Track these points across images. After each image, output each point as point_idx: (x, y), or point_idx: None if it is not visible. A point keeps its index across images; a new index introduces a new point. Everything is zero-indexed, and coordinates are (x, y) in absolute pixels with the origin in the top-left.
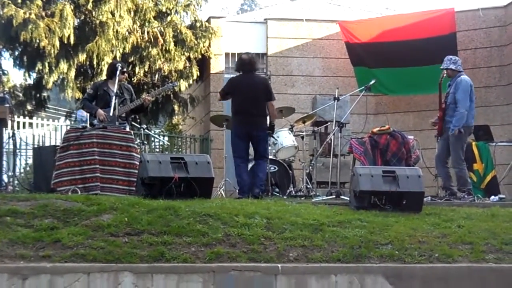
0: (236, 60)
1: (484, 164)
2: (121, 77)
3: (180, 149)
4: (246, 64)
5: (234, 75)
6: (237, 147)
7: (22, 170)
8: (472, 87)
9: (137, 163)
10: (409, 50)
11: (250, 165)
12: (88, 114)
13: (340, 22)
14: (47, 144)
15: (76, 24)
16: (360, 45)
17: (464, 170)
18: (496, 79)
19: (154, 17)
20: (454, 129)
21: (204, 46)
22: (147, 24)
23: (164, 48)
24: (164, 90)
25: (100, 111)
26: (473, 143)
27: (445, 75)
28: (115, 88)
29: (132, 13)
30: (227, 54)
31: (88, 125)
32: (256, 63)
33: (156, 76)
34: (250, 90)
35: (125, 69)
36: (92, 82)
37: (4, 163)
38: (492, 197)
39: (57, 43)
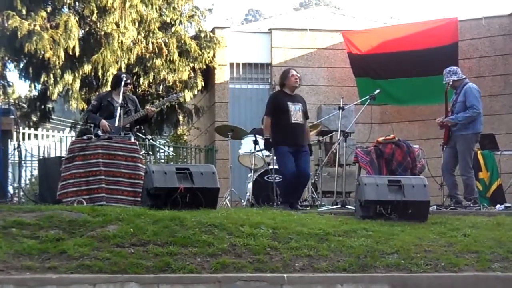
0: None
1: (490, 173)
2: (125, 88)
3: (185, 160)
4: None
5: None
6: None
7: (27, 182)
8: (480, 94)
9: (143, 173)
10: (411, 61)
11: None
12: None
13: (343, 32)
14: (52, 155)
15: (81, 35)
16: (361, 56)
17: (472, 178)
18: (501, 88)
19: (159, 28)
20: (455, 119)
21: (208, 57)
22: (151, 35)
23: (168, 58)
24: (169, 101)
25: (104, 121)
26: (479, 151)
27: (449, 87)
28: (119, 99)
29: (137, 24)
30: (231, 64)
31: (93, 136)
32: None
33: (161, 86)
34: None
35: (129, 81)
36: (97, 93)
37: (10, 174)
38: (498, 206)
39: (62, 54)
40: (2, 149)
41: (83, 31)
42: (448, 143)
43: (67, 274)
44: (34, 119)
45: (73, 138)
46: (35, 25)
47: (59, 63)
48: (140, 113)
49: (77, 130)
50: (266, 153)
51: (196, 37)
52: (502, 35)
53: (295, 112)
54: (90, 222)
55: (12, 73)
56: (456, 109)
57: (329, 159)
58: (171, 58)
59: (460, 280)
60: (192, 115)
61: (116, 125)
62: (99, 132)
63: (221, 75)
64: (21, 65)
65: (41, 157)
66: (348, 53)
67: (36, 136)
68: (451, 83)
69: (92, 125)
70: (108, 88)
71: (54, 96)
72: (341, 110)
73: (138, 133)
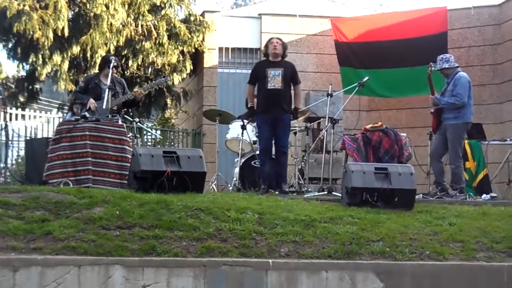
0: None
1: (476, 163)
2: (113, 71)
3: (172, 143)
4: None
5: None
6: None
7: (14, 162)
8: (471, 84)
9: (130, 156)
10: (399, 50)
11: None
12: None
13: (332, 19)
14: (39, 136)
15: (70, 16)
16: (348, 45)
17: (461, 167)
18: (489, 78)
19: (148, 11)
20: (439, 100)
21: (198, 40)
22: (141, 17)
23: (157, 41)
24: (157, 84)
25: (92, 100)
26: (466, 141)
27: (433, 69)
28: (107, 81)
29: (126, 6)
30: (220, 49)
31: (80, 117)
32: None
33: (149, 69)
34: None
35: (117, 63)
36: (85, 75)
37: None
38: (484, 195)
39: (51, 35)
40: None
41: (72, 12)
42: (438, 131)
43: (52, 256)
44: (22, 99)
45: (61, 119)
46: (24, 5)
47: (47, 43)
48: (127, 95)
49: (65, 111)
50: (254, 138)
51: (185, 21)
52: (492, 25)
53: (273, 78)
54: (76, 204)
55: (0, 53)
56: (446, 96)
57: (316, 146)
58: (160, 41)
59: (445, 269)
60: (180, 99)
61: (104, 107)
62: (87, 114)
63: (210, 59)
64: (10, 45)
65: (28, 138)
66: (334, 41)
67: (23, 116)
68: (441, 71)
69: (79, 106)
70: (97, 70)
71: (42, 77)
72: (329, 96)
73: (126, 116)
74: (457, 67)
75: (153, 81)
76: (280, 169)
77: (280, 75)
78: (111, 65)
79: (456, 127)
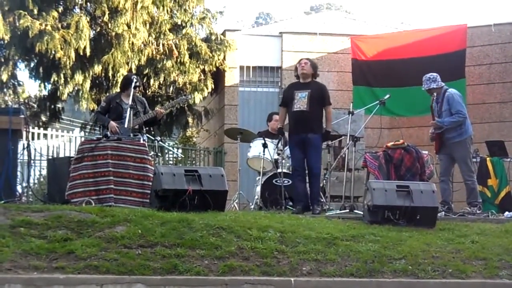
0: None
1: (499, 180)
2: (134, 91)
3: (194, 162)
4: None
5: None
6: None
7: (36, 181)
8: (461, 98)
9: (151, 175)
10: (416, 68)
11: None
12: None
13: (352, 37)
14: (61, 155)
15: (92, 35)
16: (366, 63)
17: (475, 182)
18: (511, 95)
19: (170, 30)
20: (442, 122)
21: (219, 59)
22: (162, 36)
23: (178, 60)
24: (177, 103)
25: (112, 123)
26: (488, 158)
27: (435, 97)
28: (129, 101)
29: (148, 25)
30: (241, 67)
31: (102, 136)
32: None
33: (171, 88)
34: None
35: (139, 83)
36: (107, 94)
37: (19, 173)
38: (506, 213)
39: (73, 55)
40: (12, 149)
41: (94, 31)
42: (441, 151)
43: (75, 275)
44: (44, 118)
45: (83, 138)
46: (46, 25)
47: (69, 63)
48: (149, 114)
49: (87, 130)
50: (275, 156)
51: (206, 40)
52: None
53: (299, 100)
54: (98, 223)
55: (22, 73)
56: (443, 117)
57: (337, 164)
58: (182, 60)
59: (467, 287)
60: (202, 117)
61: (125, 126)
62: (108, 133)
63: (231, 78)
64: (32, 64)
65: (50, 157)
66: (352, 59)
67: (45, 135)
68: (424, 90)
69: (101, 126)
70: (118, 89)
71: (64, 96)
72: (350, 114)
73: (148, 135)
74: (443, 86)
75: (174, 100)
76: (311, 191)
77: (306, 97)
78: (133, 85)
79: (463, 143)
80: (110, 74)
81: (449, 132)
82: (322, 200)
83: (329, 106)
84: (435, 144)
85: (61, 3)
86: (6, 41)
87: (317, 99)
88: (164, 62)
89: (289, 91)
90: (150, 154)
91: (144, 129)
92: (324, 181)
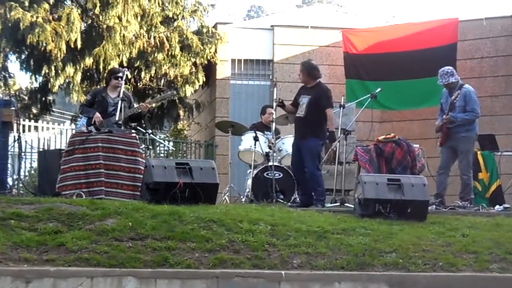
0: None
1: (489, 174)
2: (117, 82)
3: (185, 155)
4: None
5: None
6: None
7: (27, 174)
8: (476, 95)
9: (142, 168)
10: (407, 62)
11: None
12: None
13: (343, 31)
14: (52, 147)
15: (83, 28)
16: (357, 56)
17: (471, 178)
18: (502, 89)
19: (161, 22)
20: (455, 117)
21: (210, 52)
22: (153, 29)
23: (170, 53)
24: (164, 98)
25: (98, 114)
26: (478, 152)
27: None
28: (115, 95)
29: (139, 18)
30: (233, 60)
31: (93, 129)
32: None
33: (162, 81)
34: None
35: (121, 74)
36: (98, 86)
37: (9, 166)
38: (497, 206)
39: (64, 47)
40: (2, 141)
41: (85, 24)
42: (445, 143)
43: (65, 267)
44: (35, 111)
45: (74, 131)
46: (37, 17)
47: (60, 55)
48: (134, 109)
49: (77, 123)
50: (266, 149)
51: (198, 32)
52: (504, 36)
53: (301, 106)
54: (89, 215)
55: (13, 65)
56: (456, 112)
57: (329, 157)
58: (173, 53)
59: (458, 280)
60: (193, 110)
61: (117, 118)
62: (93, 128)
63: (223, 71)
64: (23, 56)
65: (41, 149)
66: (344, 53)
67: (36, 128)
68: (441, 84)
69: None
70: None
71: (55, 89)
72: (341, 108)
73: (138, 127)
74: (459, 79)
75: (160, 95)
76: (306, 187)
77: (306, 103)
78: (118, 76)
79: (469, 139)
80: (101, 67)
81: (458, 126)
82: (322, 199)
83: (330, 109)
84: (442, 136)
85: None
86: None
87: (316, 104)
88: (155, 54)
89: (298, 93)
90: (141, 147)
91: (132, 125)
92: None
